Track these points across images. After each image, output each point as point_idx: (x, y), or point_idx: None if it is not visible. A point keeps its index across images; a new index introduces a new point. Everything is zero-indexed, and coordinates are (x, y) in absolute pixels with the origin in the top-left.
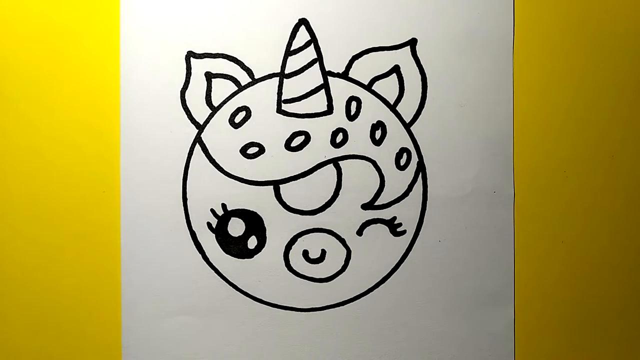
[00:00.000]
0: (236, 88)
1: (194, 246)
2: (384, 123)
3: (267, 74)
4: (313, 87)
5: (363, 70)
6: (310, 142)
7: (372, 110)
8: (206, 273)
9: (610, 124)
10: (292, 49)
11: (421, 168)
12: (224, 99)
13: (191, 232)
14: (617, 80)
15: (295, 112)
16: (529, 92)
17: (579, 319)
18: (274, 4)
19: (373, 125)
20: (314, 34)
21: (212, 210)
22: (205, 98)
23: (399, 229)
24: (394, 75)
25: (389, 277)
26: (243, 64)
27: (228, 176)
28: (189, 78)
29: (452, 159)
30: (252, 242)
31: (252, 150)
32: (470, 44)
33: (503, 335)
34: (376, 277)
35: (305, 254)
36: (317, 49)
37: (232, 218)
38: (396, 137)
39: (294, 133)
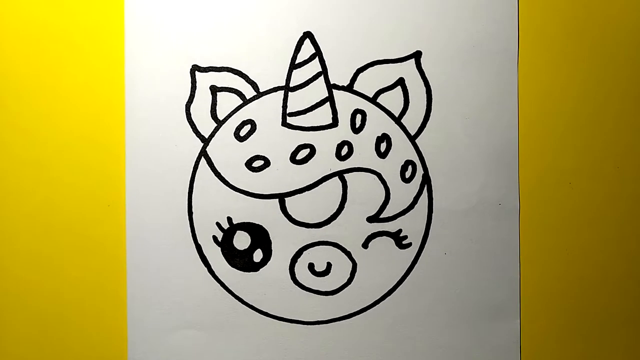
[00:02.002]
0: (241, 101)
1: (200, 260)
2: (389, 135)
3: (272, 87)
4: (318, 100)
5: (368, 83)
6: (315, 155)
7: (377, 123)
8: (212, 286)
9: (615, 135)
10: (297, 62)
11: (426, 180)
12: (229, 112)
13: (197, 246)
14: (622, 91)
15: (301, 125)
16: (534, 103)
17: (585, 331)
18: (278, 17)
19: (378, 137)
20: (318, 47)
21: (218, 224)
22: (211, 112)
23: (404, 242)
24: (398, 88)
25: (394, 290)
26: (248, 77)
27: (233, 189)
28: (194, 92)
29: (457, 171)
30: (257, 255)
31: (258, 163)
32: (474, 56)
33: (509, 347)
34: (382, 290)
35: (311, 267)
36: (322, 62)
37: (238, 231)
38: (401, 150)
39: (299, 146)
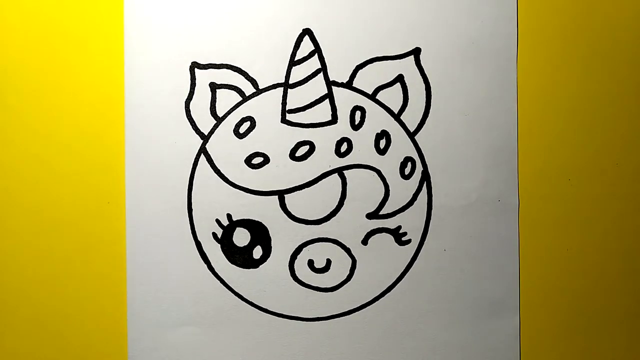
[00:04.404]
0: (240, 98)
1: (200, 256)
2: (388, 132)
3: (271, 84)
4: (317, 97)
5: (367, 80)
6: (314, 152)
7: (377, 120)
8: (211, 283)
9: (615, 132)
10: (296, 59)
11: (426, 177)
12: (228, 109)
13: (196, 243)
14: (621, 87)
15: (300, 122)
16: (533, 100)
17: (584, 327)
18: (278, 14)
19: (377, 134)
20: (317, 44)
21: (217, 221)
22: (210, 108)
23: (404, 238)
24: (398, 85)
25: (394, 287)
26: (247, 74)
27: (233, 186)
28: (194, 89)
29: (456, 168)
30: (257, 252)
31: (257, 160)
32: (474, 53)
33: (508, 344)
34: (381, 287)
35: (311, 263)
36: (321, 59)
37: (237, 228)
38: (400, 146)
39: (298, 143)
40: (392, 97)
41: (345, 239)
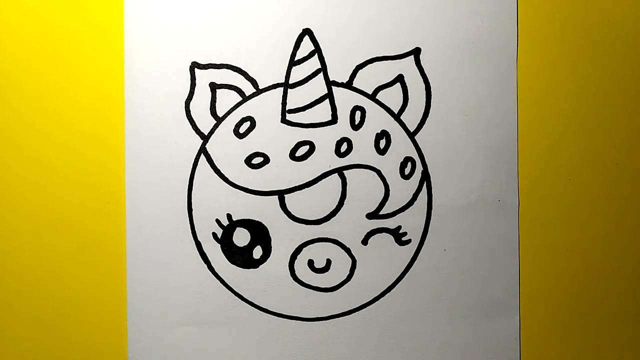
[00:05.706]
0: (240, 98)
1: (200, 256)
2: (388, 132)
3: (271, 84)
4: (317, 97)
5: (367, 80)
6: (314, 152)
7: (377, 120)
8: (211, 283)
9: (614, 132)
10: (296, 59)
11: (426, 177)
12: (228, 109)
13: (196, 243)
14: (621, 87)
15: (300, 122)
16: (533, 100)
17: (584, 327)
18: (278, 14)
19: (377, 134)
20: (318, 44)
21: (217, 221)
22: (210, 108)
23: (404, 238)
24: (398, 85)
25: (394, 287)
26: (247, 74)
27: (233, 186)
28: (194, 89)
29: (456, 168)
30: (257, 252)
31: (257, 160)
32: (474, 53)
33: (508, 344)
34: (381, 287)
35: (311, 263)
36: (321, 59)
37: (237, 228)
38: (400, 146)
39: (298, 143)
40: (392, 97)
41: (345, 239)
